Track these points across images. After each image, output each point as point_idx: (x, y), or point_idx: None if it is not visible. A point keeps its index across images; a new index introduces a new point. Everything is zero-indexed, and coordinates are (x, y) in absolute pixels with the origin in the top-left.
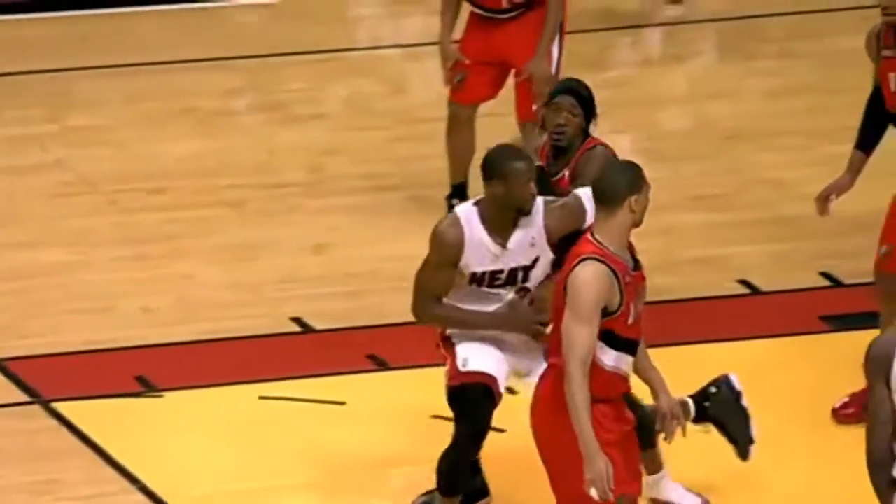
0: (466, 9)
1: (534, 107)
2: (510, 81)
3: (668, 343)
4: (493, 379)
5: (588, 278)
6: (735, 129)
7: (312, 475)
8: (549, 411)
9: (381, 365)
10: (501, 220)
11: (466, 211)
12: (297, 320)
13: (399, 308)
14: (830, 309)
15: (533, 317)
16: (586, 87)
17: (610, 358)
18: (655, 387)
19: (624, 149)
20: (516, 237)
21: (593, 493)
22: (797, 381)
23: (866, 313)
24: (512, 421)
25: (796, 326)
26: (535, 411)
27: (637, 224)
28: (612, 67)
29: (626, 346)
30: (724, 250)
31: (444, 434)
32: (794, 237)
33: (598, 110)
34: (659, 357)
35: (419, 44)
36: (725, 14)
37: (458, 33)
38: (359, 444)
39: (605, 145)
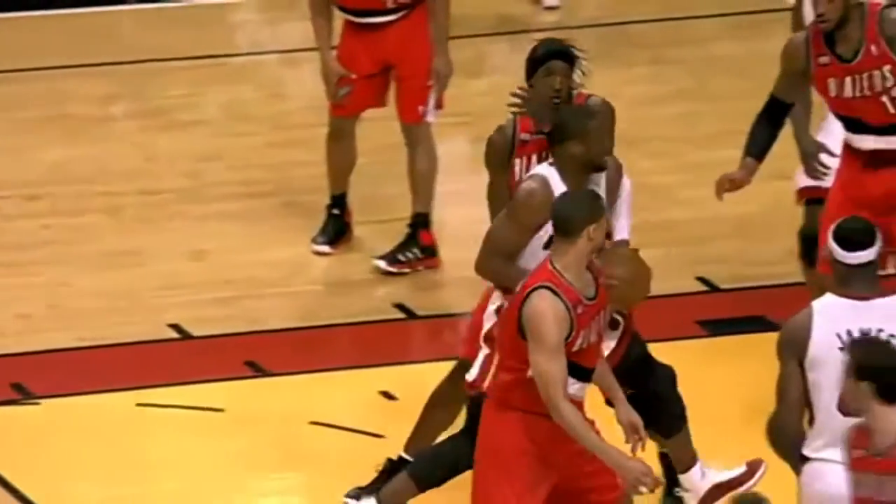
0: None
1: (420, 108)
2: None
3: None
4: None
5: (544, 312)
6: (618, 135)
7: (190, 481)
8: (487, 421)
9: (259, 371)
10: (578, 181)
11: (548, 172)
12: (175, 327)
13: (277, 314)
14: (707, 314)
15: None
16: (569, 46)
17: None
18: (613, 397)
19: None
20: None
21: (643, 489)
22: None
23: (742, 318)
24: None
25: (674, 332)
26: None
27: (597, 249)
28: (490, 74)
29: (574, 371)
30: None
31: (322, 440)
32: (670, 242)
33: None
34: None
35: (297, 49)
36: (601, 20)
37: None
38: (237, 450)
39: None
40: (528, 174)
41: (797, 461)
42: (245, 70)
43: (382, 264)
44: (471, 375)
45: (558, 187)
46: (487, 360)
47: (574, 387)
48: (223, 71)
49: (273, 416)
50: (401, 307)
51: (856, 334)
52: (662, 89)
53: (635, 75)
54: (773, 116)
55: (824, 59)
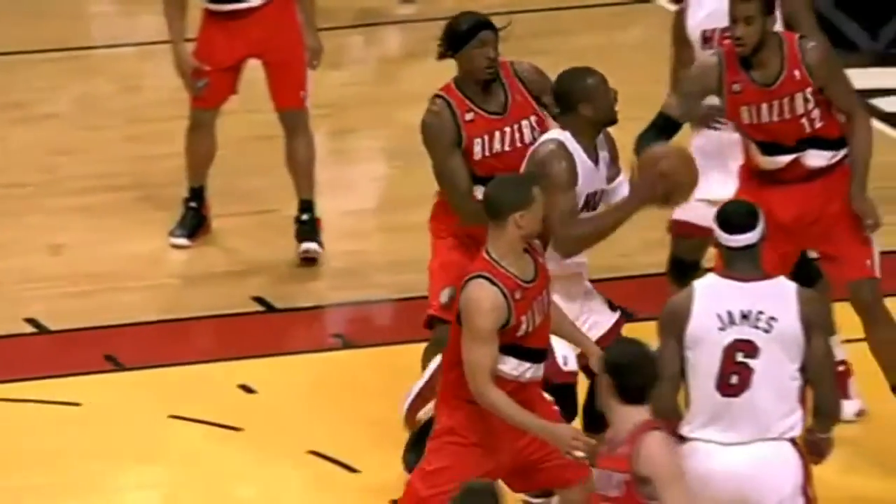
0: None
1: (301, 93)
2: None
3: (412, 340)
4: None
5: (477, 301)
6: None
7: (48, 476)
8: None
9: (118, 365)
10: (591, 143)
11: (562, 136)
12: (31, 321)
13: (136, 307)
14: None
15: None
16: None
17: (510, 367)
18: (585, 347)
19: (362, 147)
20: (602, 156)
21: (579, 454)
22: None
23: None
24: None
25: None
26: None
27: (531, 237)
28: (349, 66)
29: (523, 354)
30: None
31: (181, 433)
32: None
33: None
34: (405, 355)
35: (153, 42)
36: (460, 11)
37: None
38: (94, 444)
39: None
40: (540, 140)
41: (675, 432)
42: (102, 63)
43: (314, 246)
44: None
45: (576, 150)
46: None
47: (529, 370)
48: (80, 64)
49: (132, 409)
50: (259, 300)
51: (736, 315)
52: None
53: None
54: (662, 133)
55: (737, 87)
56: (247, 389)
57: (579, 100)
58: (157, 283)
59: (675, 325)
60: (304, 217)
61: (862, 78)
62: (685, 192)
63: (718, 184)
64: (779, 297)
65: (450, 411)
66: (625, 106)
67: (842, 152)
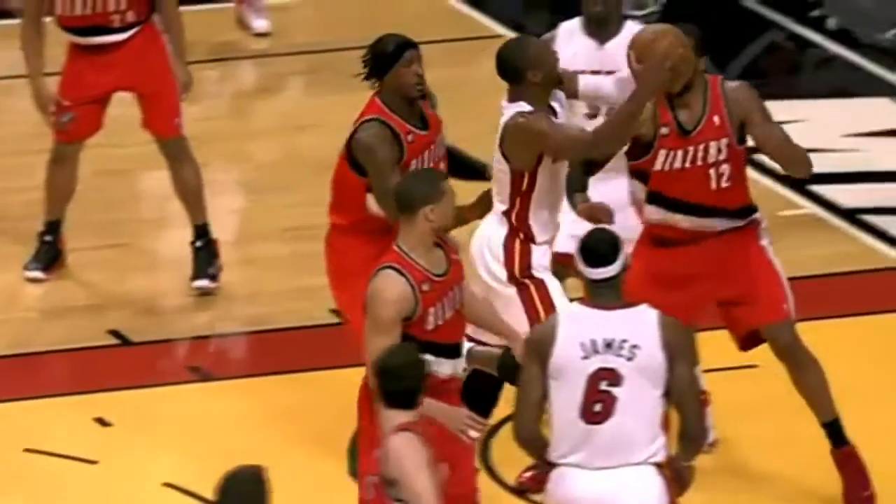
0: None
1: (176, 120)
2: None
3: (269, 372)
4: None
5: (382, 290)
6: (325, 161)
7: None
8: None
9: None
10: (546, 106)
11: (521, 107)
12: None
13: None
14: None
15: None
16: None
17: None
18: (509, 339)
19: (217, 181)
20: (560, 113)
21: (473, 434)
22: None
23: None
24: None
25: None
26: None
27: (441, 230)
28: (204, 99)
29: (434, 349)
30: (316, 280)
31: (36, 467)
32: None
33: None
34: (262, 387)
35: (11, 76)
36: (310, 47)
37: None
38: None
39: None
40: (509, 115)
41: (542, 458)
42: None
43: (205, 283)
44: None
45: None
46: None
47: (444, 366)
48: None
49: None
50: (115, 333)
51: (600, 343)
52: None
53: (348, 101)
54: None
55: (665, 130)
56: (102, 423)
57: (526, 67)
58: (12, 316)
59: (539, 353)
60: (199, 243)
61: None
62: (688, 62)
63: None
64: (641, 325)
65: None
66: (482, 138)
67: (749, 218)
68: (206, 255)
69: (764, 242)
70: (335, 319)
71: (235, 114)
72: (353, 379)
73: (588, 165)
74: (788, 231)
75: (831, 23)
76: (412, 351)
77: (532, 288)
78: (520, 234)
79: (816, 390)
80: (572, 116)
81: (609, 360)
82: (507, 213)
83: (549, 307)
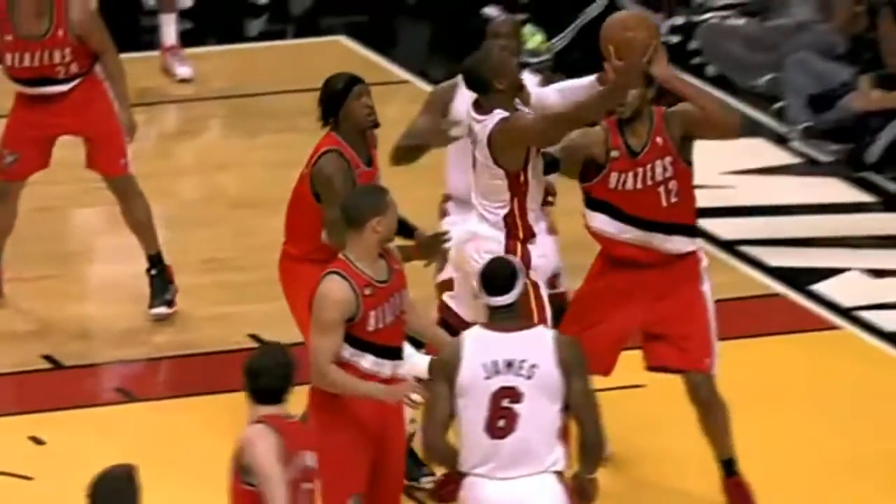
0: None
1: (122, 161)
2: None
3: (192, 393)
4: None
5: (327, 293)
6: (241, 197)
7: None
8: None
9: None
10: (513, 107)
11: (495, 114)
12: None
13: None
14: None
15: None
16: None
17: (367, 362)
18: (441, 346)
19: None
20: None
21: (416, 398)
22: None
23: None
24: None
25: (302, 376)
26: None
27: (386, 241)
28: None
29: (375, 350)
30: (234, 308)
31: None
32: None
33: None
34: (186, 407)
35: None
36: (231, 92)
37: None
38: None
39: None
40: (497, 120)
41: (453, 468)
42: None
43: (163, 310)
44: None
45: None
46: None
47: (384, 366)
48: None
49: None
50: (49, 358)
51: (500, 364)
52: (291, 155)
53: (264, 142)
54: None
55: (615, 153)
56: (37, 441)
57: (492, 77)
58: None
59: (446, 374)
60: (154, 271)
61: None
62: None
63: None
64: (538, 345)
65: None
66: (394, 177)
67: (697, 242)
68: (160, 282)
69: (705, 288)
70: (253, 343)
71: (160, 154)
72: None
73: (547, 167)
74: None
75: (710, 70)
76: (276, 353)
77: (530, 290)
78: (519, 236)
79: (720, 432)
80: None
81: (510, 380)
82: (507, 217)
83: (543, 309)
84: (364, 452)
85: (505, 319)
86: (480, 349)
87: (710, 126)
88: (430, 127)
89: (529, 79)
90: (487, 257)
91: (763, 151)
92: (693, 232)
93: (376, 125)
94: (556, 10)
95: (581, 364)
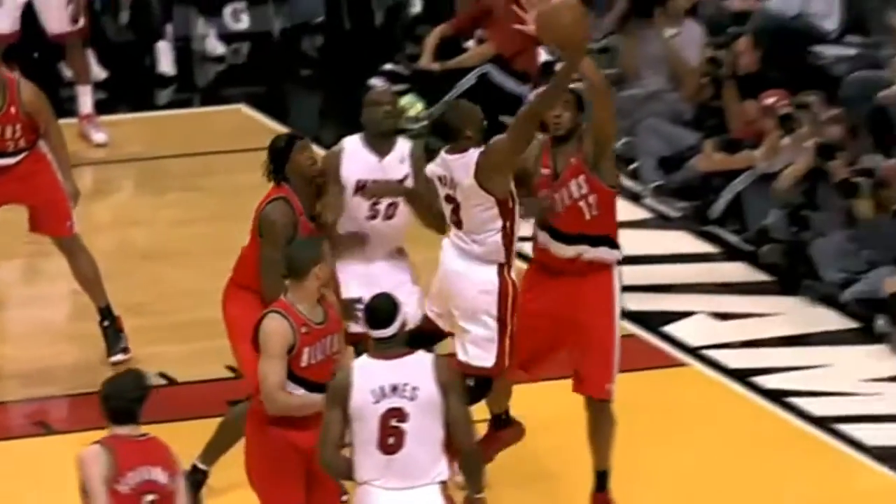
0: None
1: (68, 223)
2: None
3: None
4: None
5: (271, 328)
6: (152, 250)
7: None
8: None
9: None
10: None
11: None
12: None
13: None
14: (234, 395)
15: None
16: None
17: (299, 394)
18: None
19: (60, 268)
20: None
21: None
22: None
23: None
24: None
25: (208, 410)
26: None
27: (326, 285)
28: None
29: (307, 384)
30: (146, 350)
31: None
32: (205, 337)
33: None
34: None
35: None
36: (141, 155)
37: None
38: None
39: None
40: (477, 154)
41: (350, 479)
42: None
43: (121, 356)
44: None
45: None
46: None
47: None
48: None
49: None
50: None
51: (387, 389)
52: (195, 212)
53: (172, 200)
54: None
55: (545, 171)
56: None
57: (464, 126)
58: None
59: (339, 399)
60: (106, 323)
61: None
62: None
63: (357, 285)
64: (418, 369)
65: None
66: None
67: (615, 254)
68: (113, 332)
69: (615, 315)
70: (163, 381)
71: (78, 211)
72: (184, 432)
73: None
74: None
75: None
76: (128, 378)
77: (509, 330)
78: (508, 262)
79: (604, 443)
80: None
81: (396, 402)
82: (503, 239)
83: (506, 360)
84: (297, 469)
85: (389, 348)
86: (368, 377)
87: (598, 107)
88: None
89: (405, 143)
90: (491, 289)
91: (620, 208)
92: (615, 244)
93: (321, 174)
94: (433, 83)
95: (457, 384)
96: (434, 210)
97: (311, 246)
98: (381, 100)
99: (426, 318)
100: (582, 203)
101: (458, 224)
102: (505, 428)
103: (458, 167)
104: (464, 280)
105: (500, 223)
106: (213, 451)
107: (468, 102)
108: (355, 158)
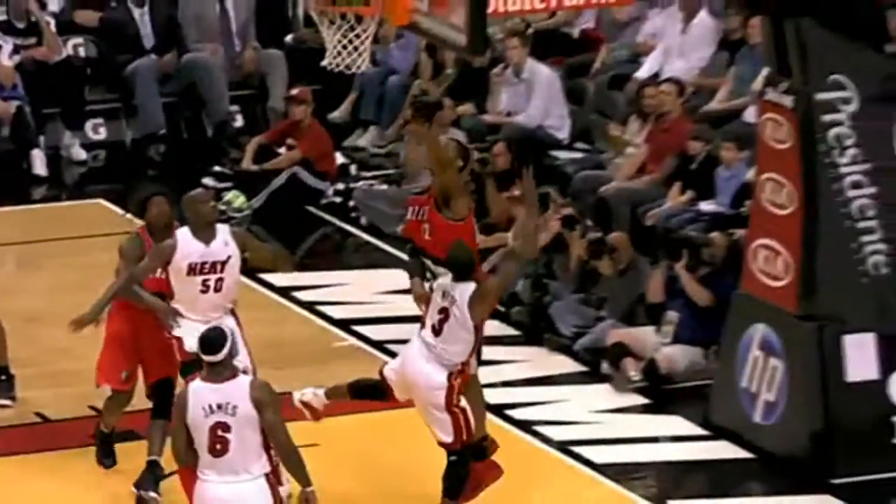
0: None
1: None
2: None
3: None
4: None
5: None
6: (28, 313)
7: None
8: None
9: None
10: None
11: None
12: None
13: None
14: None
15: None
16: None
17: None
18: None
19: None
20: None
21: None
22: None
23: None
24: None
25: (74, 443)
26: None
27: None
28: None
29: None
30: (27, 394)
31: None
32: (72, 384)
33: None
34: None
35: None
36: (19, 240)
37: None
38: None
39: None
40: (465, 285)
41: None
42: None
43: (6, 402)
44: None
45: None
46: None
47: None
48: None
49: None
50: None
51: (214, 407)
52: (63, 284)
53: (44, 275)
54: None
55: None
56: None
57: (473, 265)
58: None
59: (179, 414)
60: (3, 377)
61: (286, 280)
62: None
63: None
64: (238, 390)
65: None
66: None
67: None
68: (7, 385)
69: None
70: (38, 419)
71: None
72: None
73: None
74: (335, 359)
75: (363, 220)
76: None
77: (459, 414)
78: (461, 373)
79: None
80: None
81: (220, 417)
82: (463, 364)
83: (469, 431)
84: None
85: (217, 373)
86: (199, 397)
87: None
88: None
89: (224, 228)
90: (440, 392)
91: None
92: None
93: (170, 222)
94: (252, 181)
95: (269, 401)
96: (270, 255)
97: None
98: (206, 199)
99: (382, 377)
100: (426, 225)
101: (438, 332)
102: (481, 459)
103: (459, 292)
104: (421, 379)
105: (469, 349)
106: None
107: (467, 246)
108: (187, 247)
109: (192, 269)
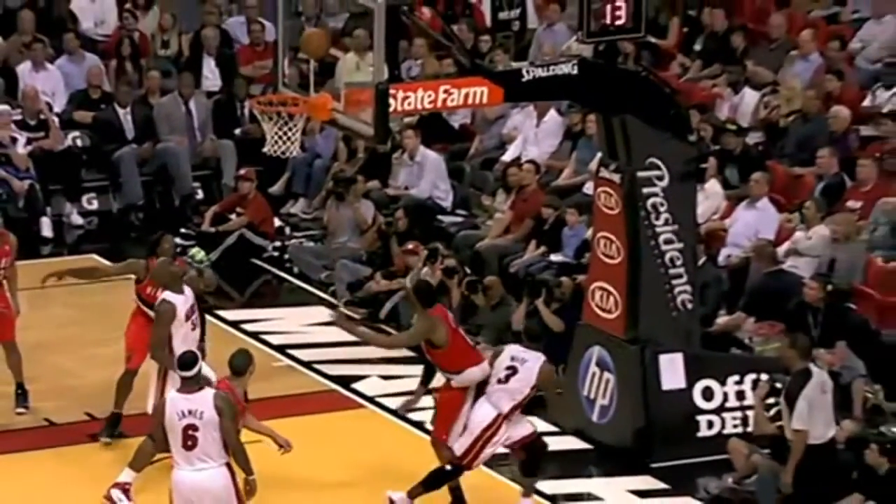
0: None
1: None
2: None
3: None
4: None
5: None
6: (42, 343)
7: None
8: None
9: None
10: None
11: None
12: None
13: None
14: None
15: None
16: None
17: None
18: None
19: None
20: None
21: None
22: None
23: None
24: None
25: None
26: None
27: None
28: None
29: None
30: (37, 404)
31: None
32: (77, 397)
33: None
34: None
35: None
36: (31, 286)
37: None
38: None
39: None
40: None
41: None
42: None
43: (24, 410)
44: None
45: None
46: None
47: None
48: None
49: None
50: None
51: (185, 412)
52: (68, 320)
53: (52, 312)
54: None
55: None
56: None
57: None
58: None
59: (157, 417)
60: (19, 391)
61: (236, 316)
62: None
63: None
64: (205, 400)
65: None
66: None
67: None
68: (23, 397)
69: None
70: (46, 423)
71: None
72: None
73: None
74: (275, 375)
75: (295, 269)
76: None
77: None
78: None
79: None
80: None
81: (191, 420)
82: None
83: (476, 458)
84: None
85: (190, 385)
86: (175, 404)
87: None
88: None
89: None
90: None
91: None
92: None
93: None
94: (210, 240)
95: (228, 410)
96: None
97: (247, 355)
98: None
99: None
100: None
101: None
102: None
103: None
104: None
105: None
106: None
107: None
108: (176, 303)
109: (187, 316)
